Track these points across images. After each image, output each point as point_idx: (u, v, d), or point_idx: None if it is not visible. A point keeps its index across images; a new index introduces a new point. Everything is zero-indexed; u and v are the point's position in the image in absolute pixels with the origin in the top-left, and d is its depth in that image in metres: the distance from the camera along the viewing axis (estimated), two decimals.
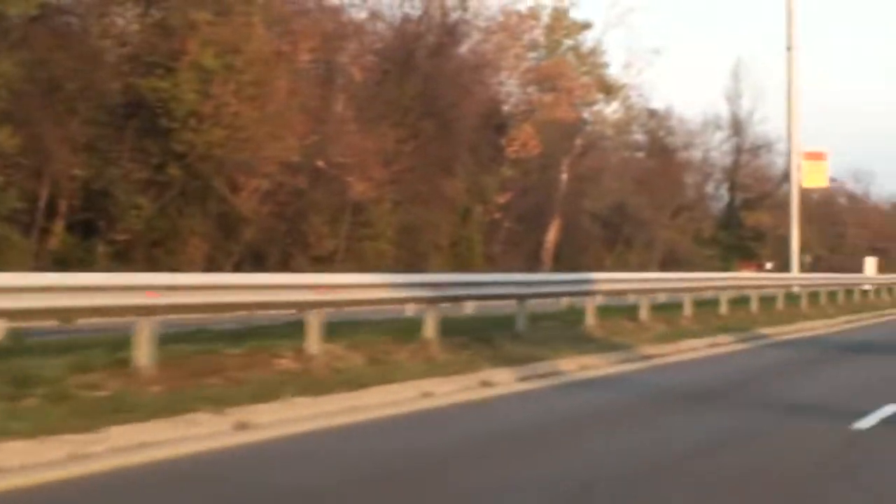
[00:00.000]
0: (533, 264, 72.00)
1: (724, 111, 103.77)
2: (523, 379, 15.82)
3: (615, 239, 79.18)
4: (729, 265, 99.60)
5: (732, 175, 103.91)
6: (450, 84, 59.22)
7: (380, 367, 14.80)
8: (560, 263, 73.59)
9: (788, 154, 37.38)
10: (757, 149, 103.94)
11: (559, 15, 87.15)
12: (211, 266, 46.15)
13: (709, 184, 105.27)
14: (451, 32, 60.45)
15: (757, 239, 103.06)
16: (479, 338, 18.42)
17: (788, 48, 39.48)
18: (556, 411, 13.35)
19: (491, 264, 65.89)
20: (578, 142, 74.69)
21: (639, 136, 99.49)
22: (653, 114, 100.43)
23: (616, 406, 13.80)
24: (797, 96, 35.11)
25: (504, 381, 15.44)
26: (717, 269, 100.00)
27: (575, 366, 17.47)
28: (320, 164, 45.63)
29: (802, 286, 36.79)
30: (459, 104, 59.51)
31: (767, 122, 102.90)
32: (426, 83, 58.45)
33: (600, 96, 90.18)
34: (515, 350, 17.80)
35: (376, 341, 16.43)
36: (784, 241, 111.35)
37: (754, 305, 32.09)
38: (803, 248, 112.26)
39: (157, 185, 42.05)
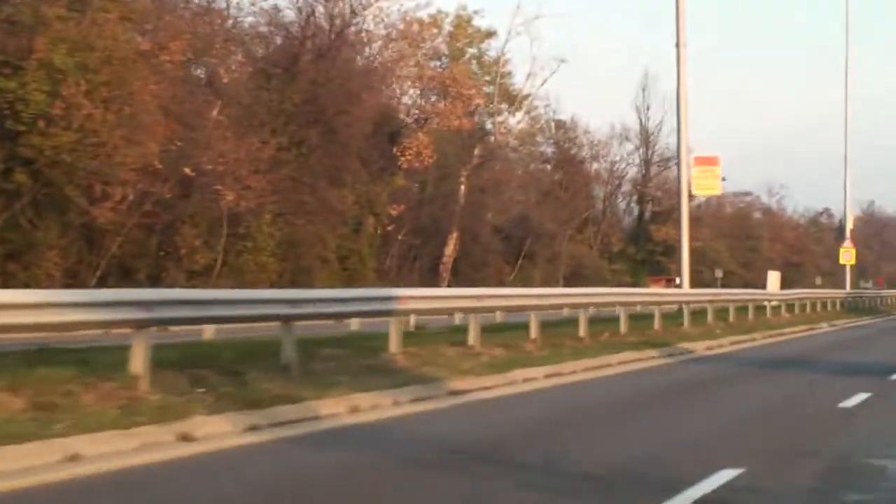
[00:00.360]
0: (431, 279, 69.49)
1: (632, 122, 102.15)
2: (250, 429, 12.45)
3: (517, 253, 76.80)
4: (639, 280, 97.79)
5: (641, 188, 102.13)
6: (338, 91, 56.57)
7: (40, 416, 11.38)
8: (459, 278, 71.18)
9: (678, 158, 34.80)
10: (666, 161, 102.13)
11: (462, 23, 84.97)
12: (73, 281, 43.25)
13: (618, 197, 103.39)
14: (339, 38, 57.79)
15: (666, 253, 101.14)
16: (230, 371, 14.92)
17: (677, 45, 37.10)
18: (224, 485, 9.87)
19: (384, 279, 63.30)
20: (477, 152, 72.22)
21: (547, 148, 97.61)
22: (560, 125, 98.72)
23: (325, 477, 10.30)
24: (686, 96, 32.65)
25: (216, 432, 12.06)
26: (626, 285, 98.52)
27: (344, 408, 14.13)
28: (187, 171, 42.64)
29: (689, 303, 34.17)
30: (348, 111, 56.89)
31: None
32: (313, 89, 55.79)
33: (504, 106, 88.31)
34: (270, 387, 14.22)
35: (60, 378, 12.97)
36: (695, 256, 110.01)
37: (623, 325, 29.41)
38: (714, 263, 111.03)
39: (4, 193, 38.96)
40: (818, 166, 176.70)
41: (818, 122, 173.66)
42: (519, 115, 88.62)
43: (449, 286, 66.14)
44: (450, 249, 70.99)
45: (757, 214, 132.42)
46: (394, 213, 61.99)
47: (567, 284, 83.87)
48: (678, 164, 34.60)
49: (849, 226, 55.90)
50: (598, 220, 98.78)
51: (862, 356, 24.51)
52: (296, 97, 54.72)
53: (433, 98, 64.68)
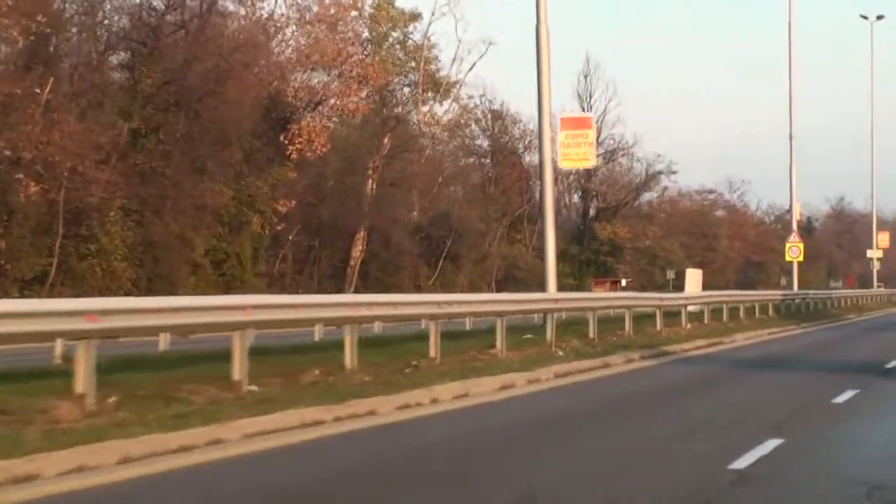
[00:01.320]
0: (335, 285, 61.99)
1: (574, 112, 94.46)
2: None
3: (438, 254, 69.26)
4: (583, 282, 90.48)
5: (585, 182, 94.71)
6: (208, 71, 48.96)
7: None
8: (368, 283, 63.69)
9: (539, 125, 26.89)
10: (611, 153, 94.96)
11: (383, 4, 77.44)
12: None
13: (560, 193, 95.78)
14: (209, 10, 50.15)
15: (614, 253, 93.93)
16: None
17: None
18: None
19: (274, 286, 55.73)
20: (388, 141, 64.71)
21: (483, 141, 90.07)
22: (497, 115, 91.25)
23: None
24: (547, 49, 24.92)
25: None
26: (570, 288, 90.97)
27: None
28: None
29: (556, 311, 25.94)
30: (220, 93, 49.27)
31: (624, 124, 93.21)
32: (177, 69, 48.18)
33: (430, 94, 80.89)
34: None
35: None
36: (646, 256, 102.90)
37: (471, 340, 22.04)
38: (666, 264, 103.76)
39: None
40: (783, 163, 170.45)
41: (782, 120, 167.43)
42: (447, 103, 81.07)
43: (356, 291, 58.71)
44: (357, 251, 63.43)
45: (721, 212, 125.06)
46: (283, 209, 54.38)
47: (500, 289, 76.64)
48: (539, 138, 26.65)
49: (795, 216, 48.56)
50: (536, 217, 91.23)
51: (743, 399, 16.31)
52: (155, 76, 47.08)
53: (326, 78, 57.02)
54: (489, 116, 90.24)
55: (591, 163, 29.04)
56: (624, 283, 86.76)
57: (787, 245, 49.88)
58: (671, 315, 32.98)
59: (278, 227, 55.28)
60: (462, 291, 65.07)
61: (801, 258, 50.05)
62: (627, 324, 28.83)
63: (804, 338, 30.80)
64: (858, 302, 56.98)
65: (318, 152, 54.70)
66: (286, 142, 54.32)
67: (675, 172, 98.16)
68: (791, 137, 49.61)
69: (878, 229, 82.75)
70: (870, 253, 79.49)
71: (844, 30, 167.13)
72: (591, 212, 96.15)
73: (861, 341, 29.53)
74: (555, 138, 28.02)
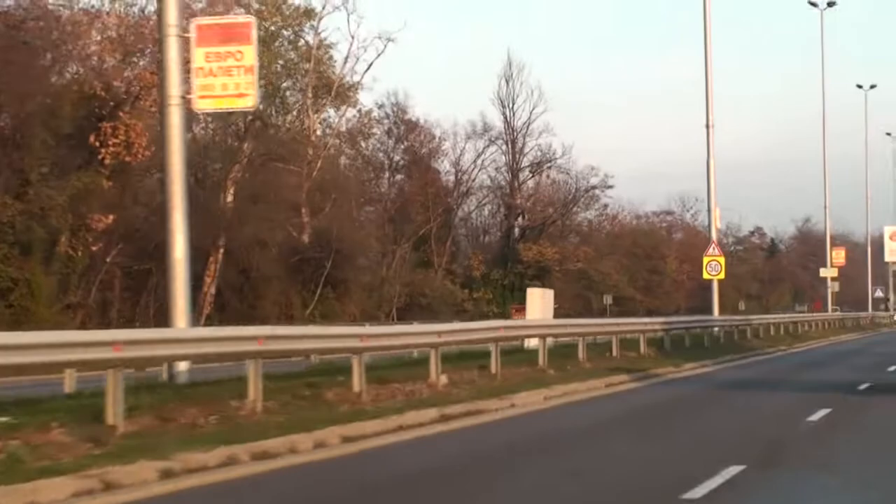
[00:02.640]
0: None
1: (495, 119, 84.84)
2: None
3: (317, 280, 59.18)
4: (506, 310, 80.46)
5: (509, 199, 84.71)
6: None
7: None
8: (227, 314, 53.60)
9: None
10: (537, 165, 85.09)
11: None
12: None
13: (481, 208, 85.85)
14: None
15: (540, 276, 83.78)
16: None
17: None
18: None
19: (94, 318, 45.65)
20: (247, 148, 54.68)
21: (395, 155, 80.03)
22: (412, 126, 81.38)
23: None
24: None
25: None
26: (494, 316, 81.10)
27: None
28: None
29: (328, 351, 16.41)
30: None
31: (552, 134, 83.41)
32: None
33: (325, 100, 70.88)
34: None
35: None
36: (581, 279, 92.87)
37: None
38: (604, 289, 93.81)
39: None
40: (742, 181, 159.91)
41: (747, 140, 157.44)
42: (348, 110, 71.06)
43: (210, 323, 48.60)
44: (211, 276, 53.28)
45: (679, 235, 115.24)
46: (99, 226, 44.27)
47: (402, 317, 66.69)
48: None
49: (714, 223, 38.64)
50: (453, 238, 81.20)
51: None
52: None
53: (142, 63, 46.89)
54: (402, 127, 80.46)
55: (251, 102, 18.54)
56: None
57: (705, 260, 40.00)
58: (508, 353, 23.00)
59: (93, 248, 45.12)
60: (351, 322, 55.17)
61: (721, 276, 40.20)
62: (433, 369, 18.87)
63: (639, 398, 20.24)
64: (798, 329, 47.12)
65: (140, 157, 44.55)
66: (97, 143, 44.20)
67: (610, 187, 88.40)
68: (708, 126, 39.82)
69: (838, 247, 73.17)
70: (823, 272, 69.76)
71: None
72: (516, 231, 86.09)
73: (757, 398, 19.53)
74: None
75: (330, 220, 62.67)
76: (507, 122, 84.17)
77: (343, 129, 72.77)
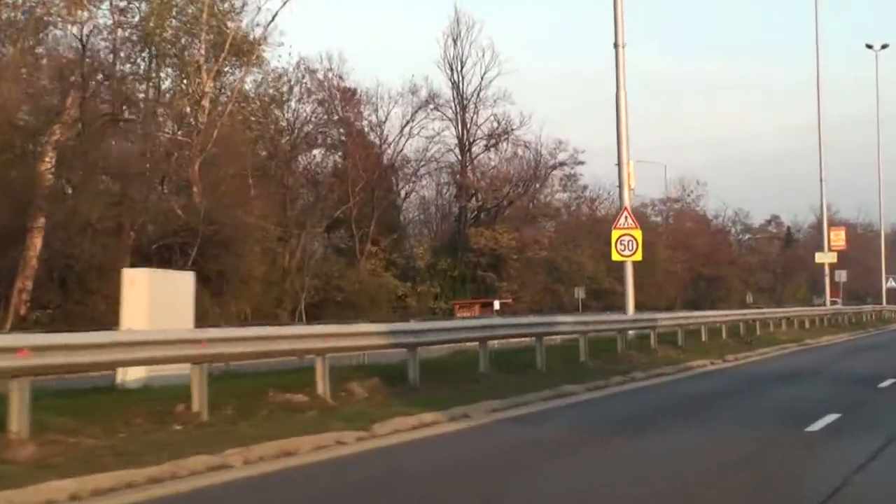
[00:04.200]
0: None
1: (444, 87, 73.15)
2: None
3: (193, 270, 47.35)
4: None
5: (460, 177, 72.83)
6: None
7: None
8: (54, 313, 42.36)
9: None
10: (490, 137, 73.19)
11: None
12: None
13: (428, 189, 74.01)
14: None
15: (494, 267, 71.99)
16: None
17: None
18: None
19: None
20: (71, 105, 43.12)
21: (331, 128, 68.32)
22: (347, 95, 69.72)
23: None
24: None
25: None
26: (439, 313, 69.57)
27: None
28: None
29: None
30: None
31: (507, 102, 71.67)
32: None
33: (220, 59, 59.16)
34: None
35: None
36: (539, 269, 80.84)
37: None
38: (578, 280, 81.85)
39: None
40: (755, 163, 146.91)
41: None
42: (244, 69, 59.35)
43: (24, 326, 37.27)
44: (32, 260, 41.97)
45: (657, 218, 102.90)
46: None
47: (313, 317, 55.07)
48: None
49: (627, 185, 26.69)
50: (391, 224, 69.48)
51: None
52: None
53: None
54: (336, 96, 68.78)
55: None
56: (497, 305, 65.08)
57: (614, 235, 28.12)
58: None
59: None
60: (241, 323, 43.84)
61: (638, 256, 28.37)
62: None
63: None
64: (758, 328, 34.64)
65: None
66: None
67: (580, 163, 76.48)
68: (617, 46, 28.03)
69: (837, 228, 61.15)
70: (819, 257, 57.68)
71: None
72: (469, 214, 74.27)
73: None
74: None
75: (216, 200, 51.10)
76: (455, 88, 72.48)
77: (251, 93, 61.11)
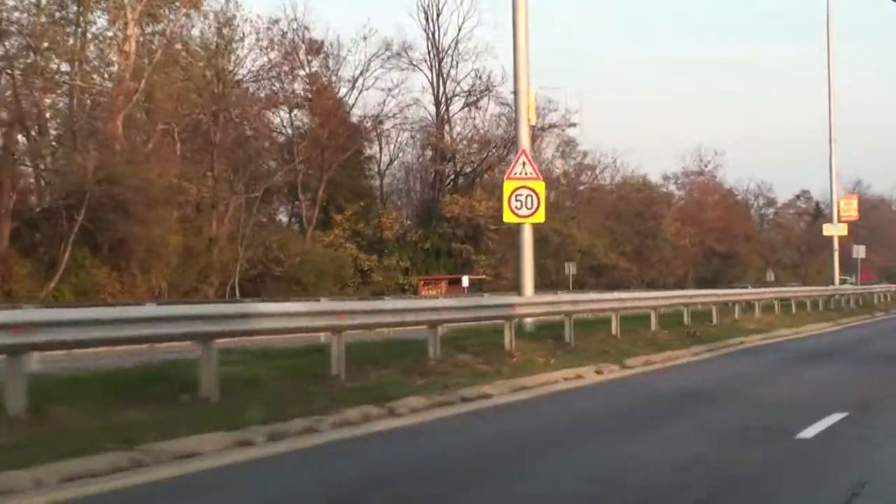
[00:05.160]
0: None
1: (418, 39, 65.97)
2: None
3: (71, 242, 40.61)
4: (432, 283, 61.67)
5: (436, 139, 65.41)
6: None
7: None
8: None
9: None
10: (468, 94, 65.80)
11: None
12: None
13: (401, 149, 66.72)
14: None
15: (472, 238, 64.70)
16: None
17: None
18: None
19: None
20: None
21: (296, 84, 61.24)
22: (317, 46, 62.57)
23: None
24: None
25: None
26: (409, 290, 62.76)
27: None
28: None
29: None
30: None
31: (490, 56, 64.44)
32: None
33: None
34: None
35: None
36: (541, 243, 72.92)
37: None
38: (571, 254, 74.49)
39: None
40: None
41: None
42: (179, 11, 52.29)
43: None
44: None
45: (707, 196, 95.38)
46: None
47: (249, 294, 48.06)
48: None
49: (526, 115, 19.41)
50: (359, 189, 62.37)
51: None
52: None
53: None
54: (301, 49, 61.62)
55: None
56: (466, 282, 57.90)
57: (507, 188, 20.79)
58: None
59: None
60: (153, 300, 37.15)
61: (539, 217, 21.10)
62: None
63: None
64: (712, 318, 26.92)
65: None
66: None
67: (573, 125, 68.86)
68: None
69: (849, 197, 53.52)
70: (828, 229, 50.04)
71: None
72: (447, 181, 67.03)
73: None
74: None
75: (129, 158, 44.24)
76: (430, 39, 65.17)
77: (191, 41, 53.97)
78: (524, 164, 20.92)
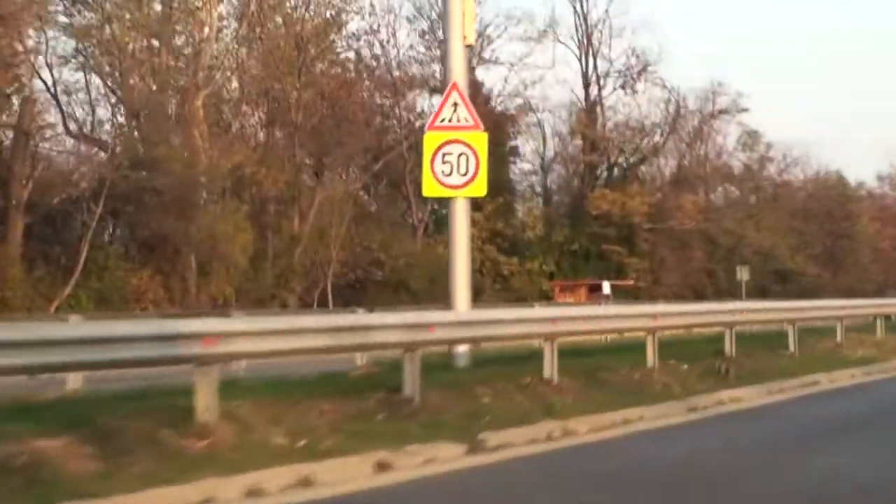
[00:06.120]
0: None
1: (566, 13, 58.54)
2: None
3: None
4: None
5: (585, 125, 57.71)
6: None
7: None
8: None
9: None
10: (622, 75, 57.87)
11: None
12: None
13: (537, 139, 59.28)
14: None
15: (624, 239, 56.81)
16: None
17: None
18: None
19: None
20: None
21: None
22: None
23: None
24: None
25: None
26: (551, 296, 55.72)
27: None
28: None
29: None
30: None
31: (646, 31, 56.83)
32: None
33: None
34: None
35: None
36: (700, 241, 64.39)
37: None
38: (744, 257, 65.76)
39: None
40: None
41: None
42: None
43: None
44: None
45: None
46: None
47: (345, 301, 41.48)
48: None
49: (463, 31, 12.13)
50: (498, 184, 55.09)
51: None
52: None
53: None
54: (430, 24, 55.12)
55: None
56: (607, 288, 50.18)
57: (429, 143, 13.38)
58: None
59: None
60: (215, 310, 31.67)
61: (478, 190, 13.59)
62: None
63: None
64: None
65: None
66: None
67: (744, 110, 60.55)
68: None
69: None
70: None
71: None
72: (601, 173, 59.38)
73: None
74: None
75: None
76: (578, 13, 57.65)
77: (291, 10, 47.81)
78: (456, 105, 13.58)
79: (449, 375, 11.81)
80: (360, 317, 11.70)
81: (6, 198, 32.45)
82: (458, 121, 13.68)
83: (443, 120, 13.71)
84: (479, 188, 13.80)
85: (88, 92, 39.92)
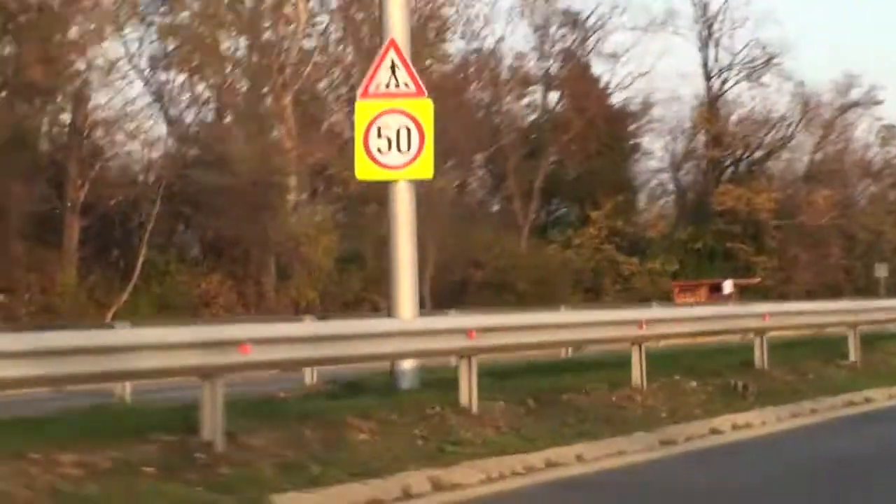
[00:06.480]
0: None
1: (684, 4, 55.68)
2: None
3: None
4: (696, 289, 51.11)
5: (707, 117, 54.56)
6: None
7: None
8: None
9: None
10: (748, 68, 54.58)
11: None
12: None
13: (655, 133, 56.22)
14: None
15: (752, 236, 53.58)
16: None
17: None
18: None
19: None
20: None
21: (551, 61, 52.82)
22: (568, 18, 53.88)
23: None
24: None
25: None
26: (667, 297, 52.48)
27: None
28: None
29: None
30: None
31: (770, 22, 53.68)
32: None
33: None
34: None
35: None
36: (835, 238, 60.50)
37: None
38: (883, 253, 61.64)
39: None
40: None
41: None
42: None
43: None
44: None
45: None
46: None
47: (441, 305, 39.20)
48: None
49: None
50: (619, 182, 52.61)
51: None
52: None
53: None
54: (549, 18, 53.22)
55: None
56: (728, 287, 47.00)
57: (361, 113, 10.97)
58: None
59: None
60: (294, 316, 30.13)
61: (424, 171, 11.14)
62: None
63: None
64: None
65: None
66: None
67: (879, 103, 56.98)
68: None
69: None
70: None
71: None
72: (728, 167, 56.26)
73: None
74: None
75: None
76: (697, 3, 54.75)
77: None
78: (394, 67, 11.13)
79: (330, 404, 9.32)
80: (114, 333, 9.15)
81: (62, 198, 30.94)
82: (398, 86, 11.23)
83: (379, 86, 11.26)
84: (425, 169, 11.34)
85: (171, 90, 38.48)
